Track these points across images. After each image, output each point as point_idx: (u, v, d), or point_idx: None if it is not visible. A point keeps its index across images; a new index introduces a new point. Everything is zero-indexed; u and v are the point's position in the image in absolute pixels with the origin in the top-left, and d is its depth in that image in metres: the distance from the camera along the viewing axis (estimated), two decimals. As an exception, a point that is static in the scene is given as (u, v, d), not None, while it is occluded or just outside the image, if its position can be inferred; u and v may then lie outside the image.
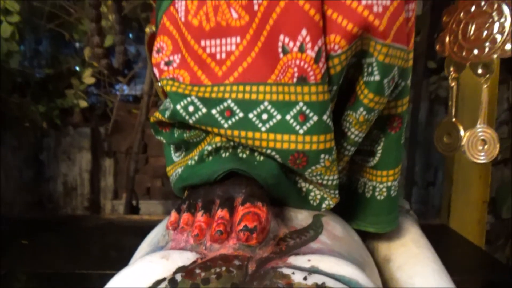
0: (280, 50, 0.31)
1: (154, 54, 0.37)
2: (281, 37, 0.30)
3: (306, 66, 0.30)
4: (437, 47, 0.45)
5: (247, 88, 0.33)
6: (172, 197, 1.76)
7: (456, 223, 1.23)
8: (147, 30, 0.45)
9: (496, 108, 1.28)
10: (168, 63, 0.36)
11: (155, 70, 0.37)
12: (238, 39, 0.33)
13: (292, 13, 0.30)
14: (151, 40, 0.45)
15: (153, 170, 1.83)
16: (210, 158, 0.35)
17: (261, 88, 0.32)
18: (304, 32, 0.30)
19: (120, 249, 0.87)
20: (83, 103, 1.63)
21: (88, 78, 1.61)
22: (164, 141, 0.38)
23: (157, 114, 0.36)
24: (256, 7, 0.32)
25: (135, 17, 1.69)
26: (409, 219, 0.46)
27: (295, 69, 0.30)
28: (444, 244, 0.93)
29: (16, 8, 1.49)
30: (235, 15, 0.33)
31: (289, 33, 0.30)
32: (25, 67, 1.58)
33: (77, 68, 1.68)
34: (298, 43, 0.30)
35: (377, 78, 0.32)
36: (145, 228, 0.39)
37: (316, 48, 0.30)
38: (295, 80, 0.31)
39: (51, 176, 1.75)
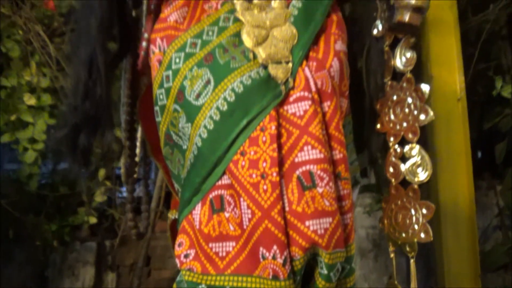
0: (260, 256, 0.50)
1: (176, 247, 0.56)
2: (261, 248, 0.50)
3: (277, 268, 0.49)
4: (380, 225, 0.65)
5: (240, 278, 0.51)
6: (172, 313, 1.82)
7: (457, 337, 1.30)
8: (170, 216, 0.66)
9: (476, 225, 1.44)
10: (186, 256, 0.55)
11: (177, 260, 0.56)
12: (234, 243, 0.53)
13: (267, 235, 0.50)
14: (173, 224, 0.66)
15: (155, 283, 1.92)
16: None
17: (249, 279, 0.51)
18: (275, 247, 0.49)
19: None
20: (93, 220, 1.82)
21: (100, 197, 1.81)
22: None
23: None
24: (245, 226, 0.52)
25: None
26: None
27: (270, 270, 0.49)
28: None
29: (42, 138, 1.77)
30: (232, 228, 0.53)
31: (266, 247, 0.50)
32: (42, 188, 1.80)
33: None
34: (271, 254, 0.49)
35: (326, 272, 0.51)
36: None
37: (283, 257, 0.49)
38: (270, 276, 0.50)
39: (53, 292, 1.85)
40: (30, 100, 1.73)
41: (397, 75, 0.65)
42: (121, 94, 0.74)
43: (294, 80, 0.56)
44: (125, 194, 0.75)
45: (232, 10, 0.60)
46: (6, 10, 1.55)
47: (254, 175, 0.52)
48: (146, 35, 0.73)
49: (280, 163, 0.53)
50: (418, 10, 0.56)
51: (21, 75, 1.71)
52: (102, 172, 1.84)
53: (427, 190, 0.61)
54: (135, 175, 0.73)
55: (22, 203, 1.74)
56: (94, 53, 0.60)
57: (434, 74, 1.49)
